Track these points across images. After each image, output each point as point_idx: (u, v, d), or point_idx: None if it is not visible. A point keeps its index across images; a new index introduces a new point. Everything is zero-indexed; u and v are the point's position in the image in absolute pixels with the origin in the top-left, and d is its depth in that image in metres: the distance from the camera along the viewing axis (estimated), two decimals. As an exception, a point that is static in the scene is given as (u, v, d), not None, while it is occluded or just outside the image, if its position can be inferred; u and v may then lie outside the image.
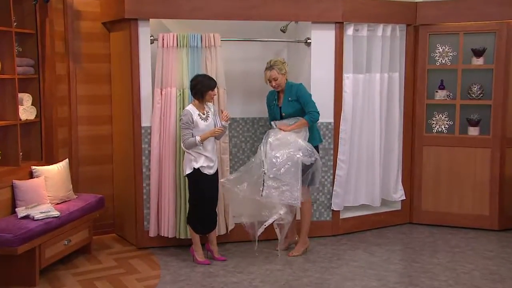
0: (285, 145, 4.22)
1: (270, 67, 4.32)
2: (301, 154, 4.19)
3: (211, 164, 4.17)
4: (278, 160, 4.17)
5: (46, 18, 4.47)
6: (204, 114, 4.15)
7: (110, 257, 4.46)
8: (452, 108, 5.31)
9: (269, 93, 4.54)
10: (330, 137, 4.90)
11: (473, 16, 5.08)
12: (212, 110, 4.24)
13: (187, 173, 4.17)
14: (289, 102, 4.35)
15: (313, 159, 4.24)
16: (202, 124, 4.11)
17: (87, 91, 4.88)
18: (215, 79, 4.38)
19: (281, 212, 4.17)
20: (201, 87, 4.09)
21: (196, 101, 4.15)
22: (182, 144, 4.15)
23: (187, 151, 4.14)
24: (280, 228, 4.35)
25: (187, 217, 4.33)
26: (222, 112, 4.26)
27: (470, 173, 5.23)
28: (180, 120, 4.19)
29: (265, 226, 4.24)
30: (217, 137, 4.27)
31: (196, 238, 4.29)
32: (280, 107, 4.41)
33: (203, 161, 4.12)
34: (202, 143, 4.08)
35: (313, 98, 4.40)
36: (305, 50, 4.88)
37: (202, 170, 4.13)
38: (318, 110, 4.33)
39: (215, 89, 4.21)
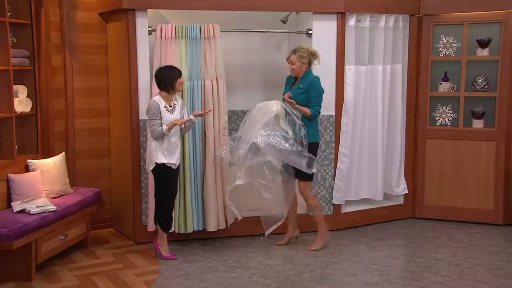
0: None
1: (294, 50, 4.33)
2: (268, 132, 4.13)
3: (172, 161, 4.10)
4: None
5: (41, 8, 4.41)
6: (170, 107, 4.09)
7: (108, 252, 4.42)
8: (456, 101, 5.24)
9: (290, 75, 4.51)
10: (332, 130, 4.84)
11: (478, 5, 5.00)
12: (180, 103, 4.19)
13: (151, 169, 4.12)
14: (298, 89, 4.33)
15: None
16: (167, 116, 4.05)
17: (83, 83, 4.82)
18: (214, 70, 4.35)
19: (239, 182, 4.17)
20: (169, 79, 4.04)
21: (164, 93, 4.08)
22: (151, 134, 4.07)
23: (149, 146, 4.09)
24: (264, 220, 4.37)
25: (156, 215, 4.23)
26: (203, 113, 4.22)
27: (474, 167, 5.16)
28: (147, 110, 4.09)
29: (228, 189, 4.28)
30: (182, 131, 4.21)
31: (164, 234, 4.24)
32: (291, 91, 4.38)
33: (163, 158, 4.06)
34: (170, 132, 4.02)
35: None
36: (306, 41, 4.81)
37: (166, 164, 4.09)
38: (320, 110, 4.30)
39: (182, 77, 4.14)
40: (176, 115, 4.09)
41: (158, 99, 4.07)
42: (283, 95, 4.38)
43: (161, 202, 4.17)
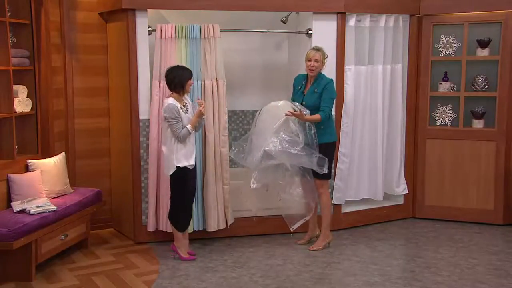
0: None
1: (317, 49, 4.32)
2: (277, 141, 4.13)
3: (191, 162, 4.09)
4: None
5: (41, 8, 4.41)
6: (184, 107, 4.08)
7: (108, 252, 4.41)
8: (456, 101, 5.24)
9: (298, 75, 4.49)
10: (332, 130, 4.83)
11: (478, 5, 5.00)
12: (190, 101, 4.18)
13: (171, 173, 4.08)
14: (313, 94, 4.30)
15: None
16: (184, 116, 4.04)
17: (83, 83, 4.82)
18: (214, 70, 4.34)
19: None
20: (181, 79, 4.00)
21: (175, 94, 4.05)
22: (175, 138, 4.01)
23: (169, 150, 4.03)
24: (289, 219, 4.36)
25: (172, 217, 4.20)
26: (199, 102, 4.13)
27: (474, 167, 5.16)
28: (166, 116, 4.00)
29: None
30: (197, 129, 4.18)
31: (179, 235, 4.23)
32: (304, 95, 4.35)
33: (185, 160, 4.04)
34: (194, 130, 4.04)
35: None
36: (306, 42, 4.81)
37: (187, 166, 4.07)
38: (330, 112, 4.27)
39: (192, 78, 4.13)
40: (190, 114, 4.08)
41: (174, 101, 4.01)
42: (292, 99, 4.37)
43: (181, 203, 4.14)
